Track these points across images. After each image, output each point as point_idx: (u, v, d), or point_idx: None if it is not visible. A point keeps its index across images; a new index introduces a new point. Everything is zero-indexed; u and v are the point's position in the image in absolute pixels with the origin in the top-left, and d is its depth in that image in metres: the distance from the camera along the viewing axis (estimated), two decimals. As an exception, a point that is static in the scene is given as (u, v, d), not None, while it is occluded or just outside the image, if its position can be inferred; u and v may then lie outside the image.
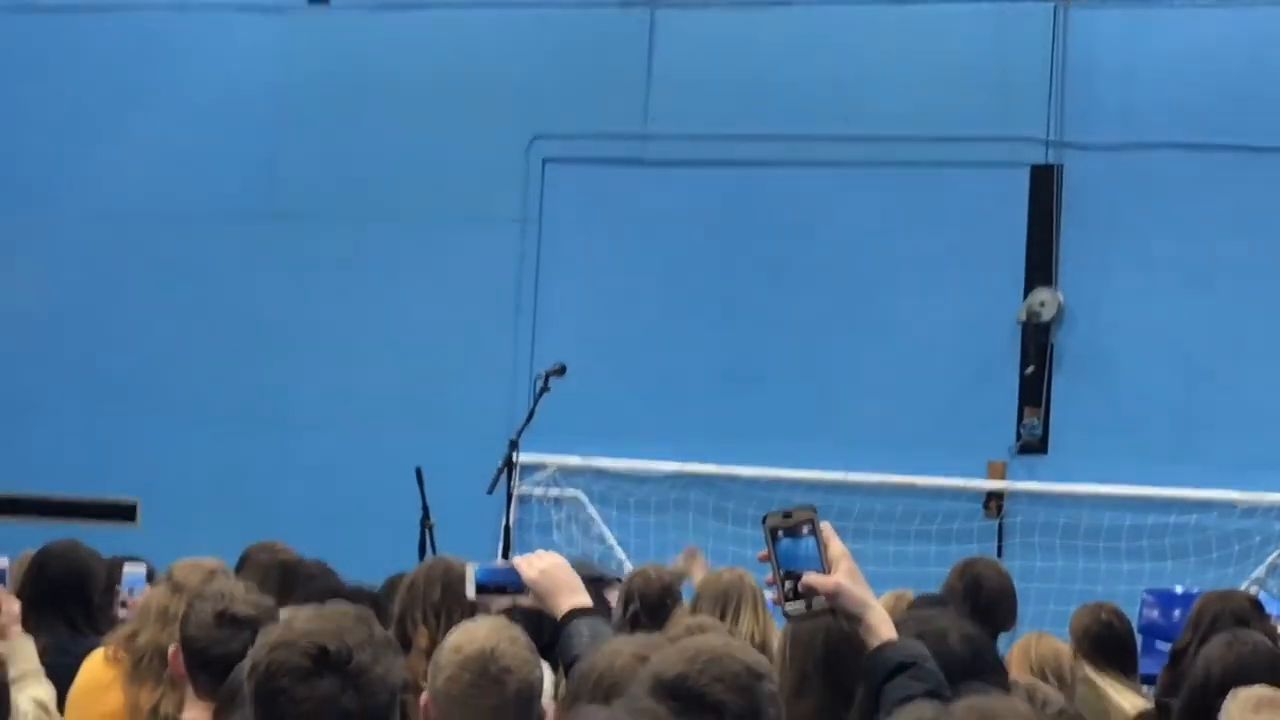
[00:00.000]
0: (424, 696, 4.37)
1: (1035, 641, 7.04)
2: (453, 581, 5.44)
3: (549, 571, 4.67)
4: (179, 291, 15.58)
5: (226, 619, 4.80)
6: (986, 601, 7.62)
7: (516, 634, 4.49)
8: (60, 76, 16.08)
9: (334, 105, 15.54)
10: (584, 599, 4.60)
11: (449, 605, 5.35)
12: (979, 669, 4.26)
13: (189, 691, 4.83)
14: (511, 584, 4.75)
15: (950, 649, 4.34)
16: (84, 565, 7.00)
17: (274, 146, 15.66)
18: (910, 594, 7.79)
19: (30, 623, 6.54)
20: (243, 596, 5.01)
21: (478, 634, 4.37)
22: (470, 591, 4.86)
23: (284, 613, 5.12)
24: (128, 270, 15.72)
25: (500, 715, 4.28)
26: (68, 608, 6.61)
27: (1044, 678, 6.35)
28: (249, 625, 4.76)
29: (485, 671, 4.27)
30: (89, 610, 6.96)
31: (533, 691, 4.36)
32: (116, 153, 15.88)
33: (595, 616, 4.59)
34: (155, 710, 5.40)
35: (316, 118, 15.57)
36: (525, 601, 4.78)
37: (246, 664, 3.27)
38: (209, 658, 4.75)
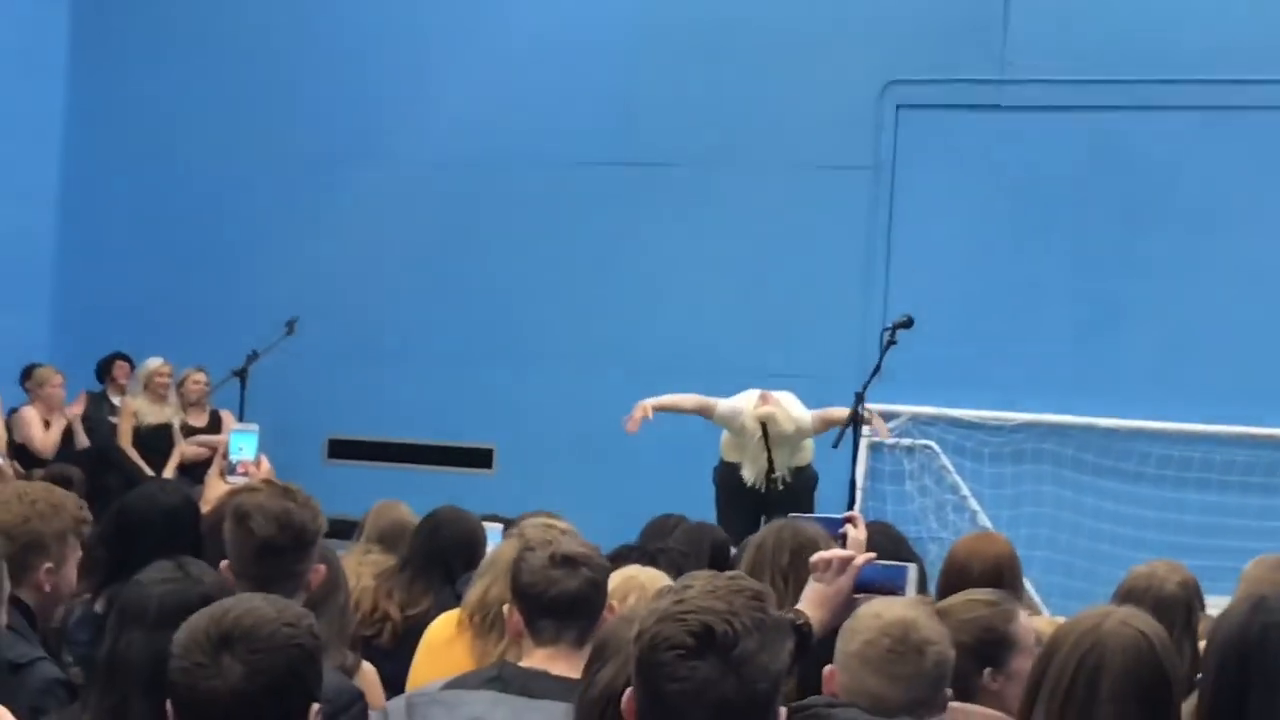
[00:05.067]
0: (830, 665, 4.33)
1: None
2: (802, 545, 5.40)
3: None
4: (532, 237, 15.78)
5: (559, 560, 4.79)
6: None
7: (932, 611, 4.46)
8: (410, 19, 16.37)
9: (689, 50, 15.53)
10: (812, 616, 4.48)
11: (797, 569, 5.29)
12: None
13: (527, 645, 4.83)
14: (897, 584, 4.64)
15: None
16: (472, 531, 7.10)
17: (629, 93, 15.74)
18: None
19: (419, 585, 6.66)
20: (570, 539, 5.05)
21: (896, 605, 4.34)
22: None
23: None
24: (481, 217, 15.96)
25: (915, 687, 4.22)
26: (455, 572, 6.67)
27: None
28: (583, 563, 4.80)
29: (906, 639, 4.22)
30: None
31: (947, 669, 4.30)
32: (470, 98, 16.13)
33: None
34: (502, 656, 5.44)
35: (671, 63, 15.59)
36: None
37: (634, 629, 3.20)
38: (547, 600, 4.75)
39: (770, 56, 15.28)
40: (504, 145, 15.89)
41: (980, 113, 14.77)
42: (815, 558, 4.55)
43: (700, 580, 3.23)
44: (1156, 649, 3.93)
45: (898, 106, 15.03)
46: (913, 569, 4.66)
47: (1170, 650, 4.04)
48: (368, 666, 5.56)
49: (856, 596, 4.51)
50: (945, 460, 14.48)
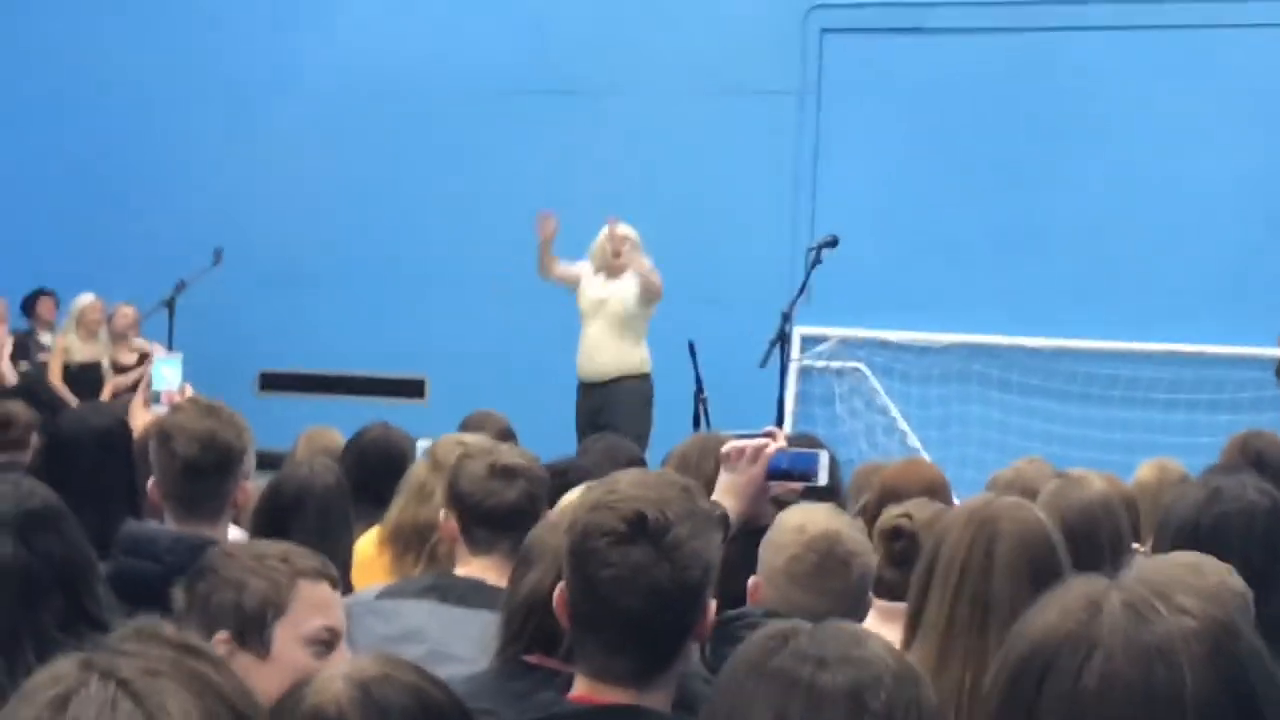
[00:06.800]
0: (754, 578, 4.31)
1: None
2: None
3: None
4: (458, 168, 15.74)
5: (499, 470, 4.75)
6: (1269, 477, 7.25)
7: (851, 520, 4.44)
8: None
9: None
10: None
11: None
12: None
13: (462, 552, 4.80)
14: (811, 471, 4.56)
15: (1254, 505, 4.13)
16: (399, 448, 6.96)
17: (548, 21, 15.71)
18: (1174, 463, 7.43)
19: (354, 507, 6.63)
20: (509, 449, 5.02)
21: (819, 516, 4.31)
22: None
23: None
24: (407, 148, 15.90)
25: (842, 600, 4.20)
26: (385, 491, 6.58)
27: None
28: (522, 475, 4.77)
29: (832, 553, 4.22)
30: None
31: (870, 578, 4.32)
32: (385, 26, 16.08)
33: None
34: None
35: (593, -8, 15.62)
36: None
37: (565, 521, 3.23)
38: (485, 510, 4.73)
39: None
40: (423, 74, 15.84)
41: (903, 35, 14.80)
42: (727, 447, 4.49)
43: (629, 474, 3.29)
44: (1045, 523, 3.96)
45: (822, 31, 15.05)
46: (825, 455, 4.57)
47: (1054, 527, 4.06)
48: None
49: (771, 484, 4.48)
50: (875, 382, 14.55)
